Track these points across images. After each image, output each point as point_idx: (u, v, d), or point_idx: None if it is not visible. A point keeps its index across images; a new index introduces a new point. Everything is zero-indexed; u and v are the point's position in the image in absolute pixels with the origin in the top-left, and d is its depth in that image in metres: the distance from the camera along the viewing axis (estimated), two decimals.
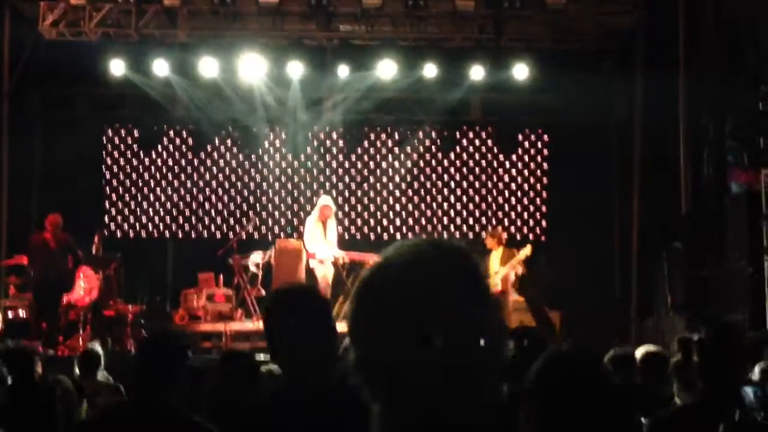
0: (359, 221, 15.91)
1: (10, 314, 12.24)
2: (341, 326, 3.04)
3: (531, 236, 15.75)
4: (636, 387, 5.17)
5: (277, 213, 15.90)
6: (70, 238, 12.19)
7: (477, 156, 16.04)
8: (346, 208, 15.74)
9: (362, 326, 1.49)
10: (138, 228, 15.85)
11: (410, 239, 1.55)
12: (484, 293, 1.51)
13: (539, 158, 16.04)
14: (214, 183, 15.94)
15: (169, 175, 15.97)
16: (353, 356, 1.49)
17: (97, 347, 7.47)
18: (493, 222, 15.67)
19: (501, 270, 12.07)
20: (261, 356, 6.44)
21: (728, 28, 12.03)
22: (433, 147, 16.05)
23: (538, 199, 15.97)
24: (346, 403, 2.90)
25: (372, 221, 15.94)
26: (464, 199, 15.96)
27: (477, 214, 15.63)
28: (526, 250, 12.38)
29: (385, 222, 15.96)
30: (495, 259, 12.25)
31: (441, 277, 1.47)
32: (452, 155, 16.02)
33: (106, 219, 15.71)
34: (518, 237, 15.16)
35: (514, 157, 16.03)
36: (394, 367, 1.44)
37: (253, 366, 4.38)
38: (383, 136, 16.06)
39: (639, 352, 5.69)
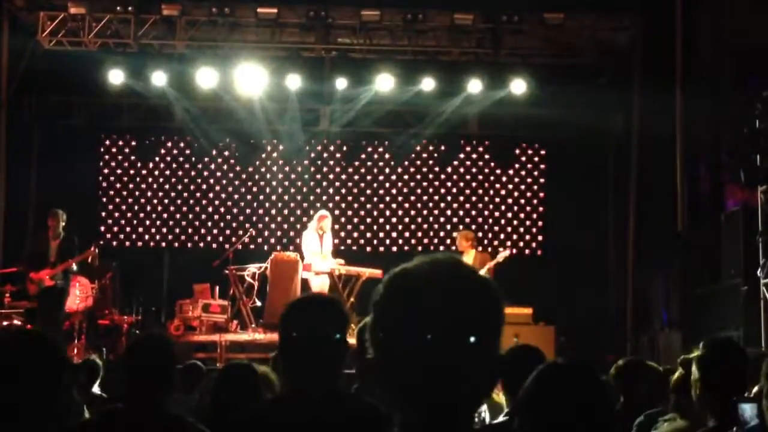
0: (356, 234, 15.90)
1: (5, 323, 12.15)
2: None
3: (527, 251, 15.79)
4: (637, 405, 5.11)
5: (273, 225, 15.90)
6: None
7: (474, 170, 16.07)
8: (343, 221, 15.74)
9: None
10: (134, 238, 15.84)
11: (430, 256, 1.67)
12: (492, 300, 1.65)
13: (536, 172, 16.07)
14: (211, 194, 15.95)
15: (166, 185, 15.96)
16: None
17: (97, 360, 7.44)
18: (489, 236, 15.72)
19: None
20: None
21: (725, 44, 12.06)
22: (430, 160, 16.08)
23: (534, 214, 16.00)
24: (347, 415, 2.90)
25: (369, 234, 15.94)
26: (461, 212, 15.97)
27: (473, 227, 15.60)
28: (505, 253, 12.40)
29: (381, 235, 15.95)
30: (467, 261, 12.17)
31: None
32: (449, 169, 16.04)
33: (103, 228, 15.71)
34: (514, 251, 15.16)
35: (510, 171, 16.07)
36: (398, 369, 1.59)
37: (253, 374, 4.36)
38: (381, 149, 16.08)
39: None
